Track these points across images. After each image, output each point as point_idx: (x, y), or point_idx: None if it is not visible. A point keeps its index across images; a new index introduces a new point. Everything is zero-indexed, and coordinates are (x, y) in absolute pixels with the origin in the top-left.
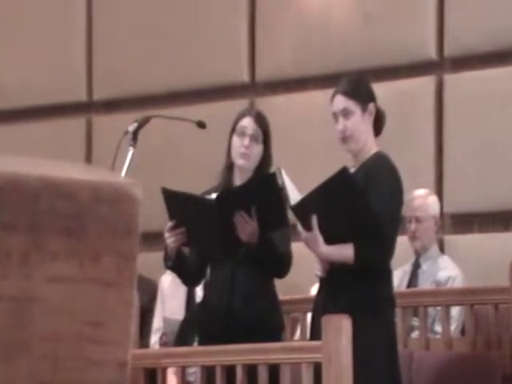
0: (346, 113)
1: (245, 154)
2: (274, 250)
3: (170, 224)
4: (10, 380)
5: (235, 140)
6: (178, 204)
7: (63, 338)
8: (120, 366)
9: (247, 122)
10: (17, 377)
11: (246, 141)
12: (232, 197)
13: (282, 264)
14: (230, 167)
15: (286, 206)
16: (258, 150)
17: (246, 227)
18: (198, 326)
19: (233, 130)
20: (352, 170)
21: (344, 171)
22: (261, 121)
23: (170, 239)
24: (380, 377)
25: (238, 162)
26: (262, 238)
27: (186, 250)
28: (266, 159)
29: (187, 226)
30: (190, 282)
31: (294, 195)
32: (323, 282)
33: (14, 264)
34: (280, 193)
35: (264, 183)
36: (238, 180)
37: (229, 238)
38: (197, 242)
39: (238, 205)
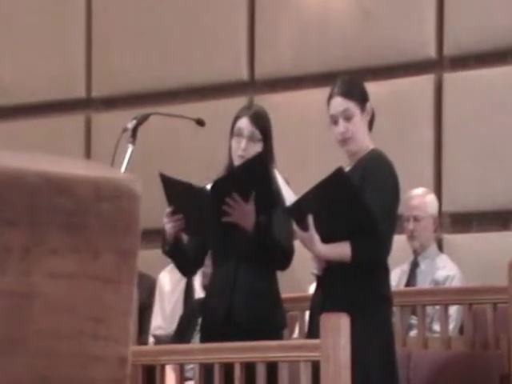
0: (347, 114)
1: (243, 157)
2: (272, 236)
3: (168, 209)
4: (9, 376)
5: (233, 142)
6: (176, 190)
7: (63, 333)
8: (120, 362)
9: (243, 124)
10: (17, 373)
11: (243, 143)
12: (226, 183)
13: (282, 254)
14: (231, 166)
15: (275, 186)
16: (255, 149)
17: (238, 208)
18: (200, 323)
19: (231, 132)
20: (348, 168)
21: (339, 171)
22: (258, 120)
23: (169, 225)
24: (377, 375)
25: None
26: (259, 223)
27: (184, 238)
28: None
29: (184, 213)
30: (186, 270)
31: (288, 196)
32: (320, 281)
33: (13, 260)
34: (269, 172)
35: (253, 164)
36: None
37: (226, 225)
38: (194, 229)
39: (233, 190)
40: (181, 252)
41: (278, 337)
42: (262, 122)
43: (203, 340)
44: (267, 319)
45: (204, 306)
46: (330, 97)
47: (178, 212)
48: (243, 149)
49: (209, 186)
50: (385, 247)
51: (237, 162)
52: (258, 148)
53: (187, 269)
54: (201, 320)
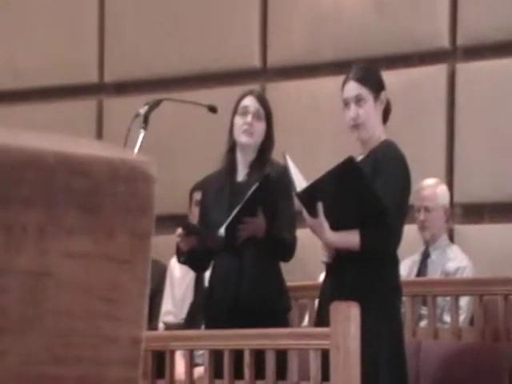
0: (358, 99)
1: (248, 131)
2: (281, 241)
3: (181, 231)
4: (23, 354)
5: (237, 119)
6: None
7: (77, 313)
8: (133, 343)
9: (249, 101)
10: (31, 351)
11: (249, 118)
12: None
13: (287, 250)
14: (232, 148)
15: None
16: (261, 127)
17: (249, 225)
18: (205, 310)
19: (235, 112)
20: (360, 158)
21: (350, 160)
22: (263, 99)
23: (182, 243)
24: (386, 364)
25: (242, 139)
26: (270, 232)
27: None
28: (268, 138)
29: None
30: (201, 270)
31: (299, 181)
32: (329, 269)
33: (29, 239)
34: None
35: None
36: (241, 160)
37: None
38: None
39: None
40: (196, 259)
41: (284, 320)
42: (265, 103)
43: (209, 327)
44: (273, 303)
45: (209, 294)
46: (345, 81)
47: (191, 234)
48: (249, 123)
49: (221, 230)
50: (394, 238)
51: (241, 137)
52: (262, 126)
53: (202, 269)
54: (205, 307)
